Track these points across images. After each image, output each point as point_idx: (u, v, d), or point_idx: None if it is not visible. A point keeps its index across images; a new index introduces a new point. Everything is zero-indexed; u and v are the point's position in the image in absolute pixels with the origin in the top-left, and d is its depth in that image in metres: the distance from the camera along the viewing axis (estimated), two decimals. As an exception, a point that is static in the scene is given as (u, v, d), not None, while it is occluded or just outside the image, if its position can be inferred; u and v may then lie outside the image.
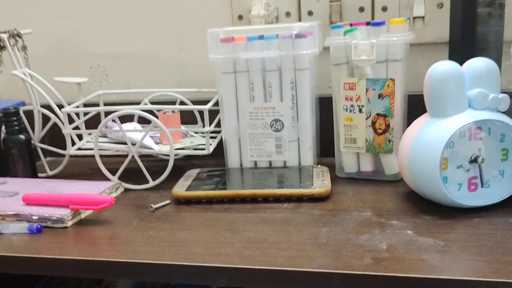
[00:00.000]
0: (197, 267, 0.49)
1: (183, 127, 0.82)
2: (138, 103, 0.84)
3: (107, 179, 0.71)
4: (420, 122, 0.59)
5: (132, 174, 0.76)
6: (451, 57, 0.67)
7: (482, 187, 0.58)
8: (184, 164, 0.81)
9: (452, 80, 0.56)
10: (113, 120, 0.76)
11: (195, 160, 0.82)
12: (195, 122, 0.84)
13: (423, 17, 0.78)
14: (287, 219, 0.58)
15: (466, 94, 0.57)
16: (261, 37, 0.70)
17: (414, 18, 0.78)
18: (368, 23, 0.68)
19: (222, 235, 0.55)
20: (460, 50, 0.65)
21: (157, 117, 0.75)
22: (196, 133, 0.81)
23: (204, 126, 0.70)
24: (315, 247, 0.51)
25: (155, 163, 0.82)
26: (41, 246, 0.55)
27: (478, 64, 0.58)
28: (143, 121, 0.81)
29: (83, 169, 0.83)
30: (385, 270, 0.46)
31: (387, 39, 0.64)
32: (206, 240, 0.54)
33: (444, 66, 0.57)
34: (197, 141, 0.76)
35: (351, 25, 0.68)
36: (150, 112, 0.74)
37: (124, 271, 0.51)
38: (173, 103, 0.84)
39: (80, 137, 0.79)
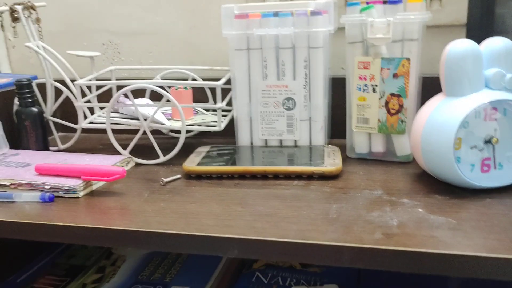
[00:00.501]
0: (208, 237, 0.49)
1: (198, 104, 0.82)
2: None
3: (118, 154, 0.71)
4: (435, 101, 0.59)
5: (143, 150, 0.76)
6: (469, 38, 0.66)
7: (495, 168, 0.57)
8: (194, 142, 0.81)
9: (470, 59, 0.56)
10: (125, 96, 0.76)
11: (206, 138, 0.83)
12: (206, 100, 0.84)
13: (440, -1, 0.77)
14: (297, 195, 0.58)
15: (483, 73, 0.56)
16: (276, 14, 0.70)
17: (431, -1, 0.78)
18: (385, 1, 0.67)
19: (232, 208, 0.55)
20: (478, 31, 0.65)
21: (169, 93, 0.75)
22: (207, 110, 0.81)
23: (215, 104, 0.69)
24: (326, 222, 0.51)
25: (166, 140, 0.82)
26: (53, 214, 0.56)
27: (497, 43, 0.57)
28: (155, 98, 0.82)
29: (94, 145, 0.83)
30: (396, 244, 0.45)
31: (404, 17, 0.63)
32: (216, 213, 0.54)
33: (462, 44, 0.56)
34: (209, 118, 0.76)
35: (367, 3, 0.67)
36: (162, 88, 0.74)
37: (135, 240, 0.51)
38: (185, 80, 0.83)
39: (92, 111, 0.79)
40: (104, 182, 0.63)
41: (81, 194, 0.60)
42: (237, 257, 0.50)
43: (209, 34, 0.87)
